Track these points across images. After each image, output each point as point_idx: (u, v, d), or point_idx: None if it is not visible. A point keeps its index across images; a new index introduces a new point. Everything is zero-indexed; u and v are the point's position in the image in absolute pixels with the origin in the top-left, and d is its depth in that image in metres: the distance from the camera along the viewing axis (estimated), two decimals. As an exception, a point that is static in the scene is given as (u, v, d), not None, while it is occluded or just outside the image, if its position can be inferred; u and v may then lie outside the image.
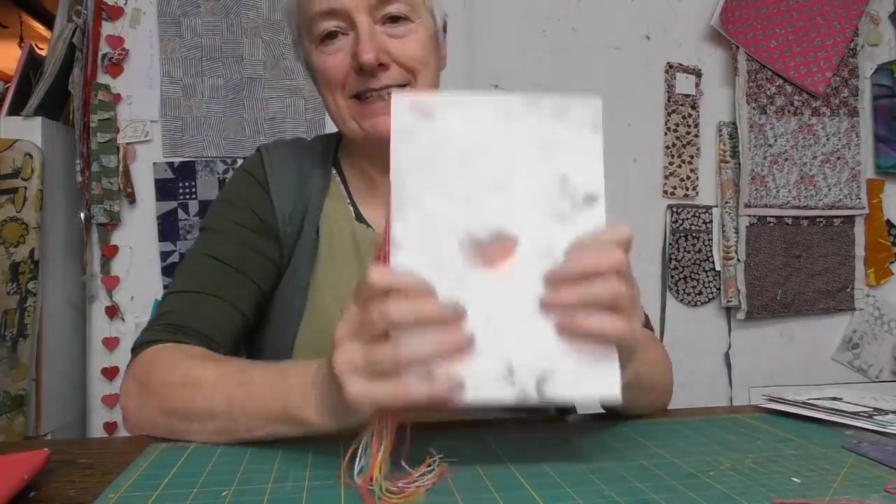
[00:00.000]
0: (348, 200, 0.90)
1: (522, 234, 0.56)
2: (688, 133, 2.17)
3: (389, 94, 0.79)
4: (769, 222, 2.19)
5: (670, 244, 2.16)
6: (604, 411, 0.80)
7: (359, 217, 0.89)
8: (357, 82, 0.81)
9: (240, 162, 1.85)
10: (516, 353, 0.55)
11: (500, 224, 0.56)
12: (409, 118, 0.57)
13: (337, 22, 0.80)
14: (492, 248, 0.56)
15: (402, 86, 0.81)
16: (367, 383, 0.53)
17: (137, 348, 0.77)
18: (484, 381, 0.54)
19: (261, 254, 0.85)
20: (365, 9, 0.79)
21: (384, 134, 0.79)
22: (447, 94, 0.58)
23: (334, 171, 0.93)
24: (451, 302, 0.54)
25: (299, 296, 0.85)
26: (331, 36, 0.80)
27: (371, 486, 0.54)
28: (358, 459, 0.56)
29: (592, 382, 0.55)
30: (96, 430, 1.81)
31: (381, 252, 0.56)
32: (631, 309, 0.55)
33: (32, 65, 1.81)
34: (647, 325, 0.93)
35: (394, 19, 0.81)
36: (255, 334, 0.88)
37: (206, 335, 0.78)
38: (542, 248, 0.56)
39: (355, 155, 0.92)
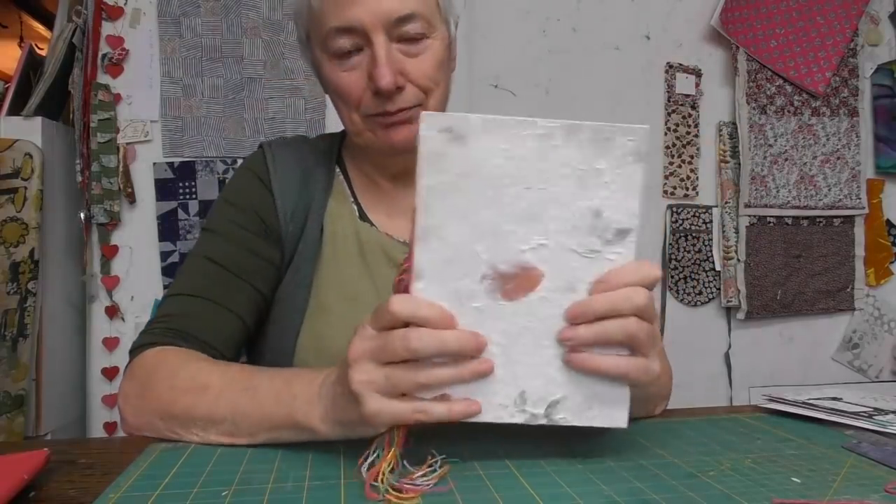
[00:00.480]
0: (352, 199, 0.90)
1: (548, 268, 0.56)
2: (688, 133, 2.17)
3: (410, 113, 0.79)
4: (769, 222, 2.19)
5: (670, 244, 2.16)
6: None
7: (362, 216, 0.89)
8: (373, 104, 0.79)
9: (240, 162, 1.86)
10: (529, 381, 0.57)
11: (525, 258, 0.56)
12: (439, 142, 0.54)
13: (353, 40, 0.77)
14: (515, 281, 0.56)
15: (415, 106, 0.80)
16: (386, 401, 0.55)
17: (135, 350, 0.77)
18: (495, 406, 0.57)
19: (261, 257, 0.85)
20: (382, 27, 0.76)
21: (400, 144, 0.80)
22: (481, 118, 0.54)
23: (338, 170, 0.92)
24: (472, 334, 0.55)
25: (302, 294, 0.85)
26: (346, 54, 0.78)
27: (376, 483, 0.55)
28: (368, 455, 0.57)
29: (601, 412, 0.58)
30: (96, 430, 1.81)
31: (405, 271, 0.57)
32: (648, 347, 0.57)
33: (32, 65, 1.81)
34: None
35: (410, 38, 0.78)
36: (258, 333, 0.88)
37: (205, 341, 0.78)
38: (566, 283, 0.56)
39: (360, 159, 0.91)
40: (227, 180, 1.85)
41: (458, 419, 0.56)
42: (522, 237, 0.55)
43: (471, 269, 0.55)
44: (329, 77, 0.81)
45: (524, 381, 0.57)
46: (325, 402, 0.61)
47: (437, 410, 0.55)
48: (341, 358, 0.58)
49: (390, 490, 0.54)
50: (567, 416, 0.58)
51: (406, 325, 0.55)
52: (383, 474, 0.55)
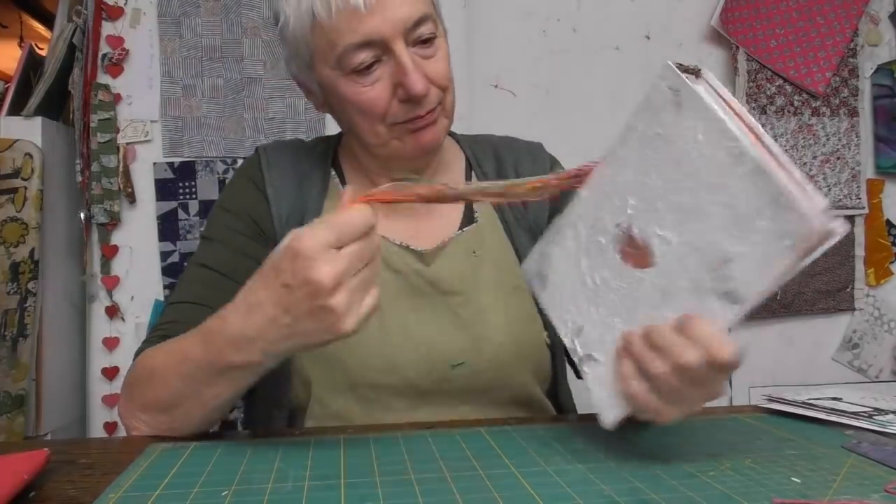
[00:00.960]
0: None
1: (660, 263, 0.58)
2: (688, 133, 2.17)
3: (435, 115, 0.80)
4: (769, 222, 2.19)
5: (670, 244, 2.16)
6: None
7: None
8: (403, 111, 0.79)
9: (240, 162, 1.86)
10: (592, 326, 0.63)
11: (653, 240, 0.58)
12: (661, 97, 0.57)
13: (373, 52, 0.76)
14: (634, 249, 0.59)
15: (437, 107, 0.81)
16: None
17: (135, 359, 0.79)
18: (561, 316, 0.66)
19: (258, 261, 0.84)
20: (401, 35, 0.76)
21: (429, 145, 0.82)
22: (706, 97, 0.55)
23: (333, 173, 0.92)
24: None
25: None
26: (367, 68, 0.77)
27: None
28: None
29: (601, 400, 0.62)
30: (96, 430, 1.81)
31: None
32: (680, 405, 0.58)
33: (32, 65, 1.81)
34: None
35: (423, 40, 0.79)
36: None
37: None
38: (663, 287, 0.58)
39: (364, 160, 0.91)
40: (227, 181, 1.86)
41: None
42: (662, 222, 0.57)
43: (617, 212, 0.60)
44: (348, 95, 0.79)
45: (590, 321, 0.62)
46: (273, 334, 0.61)
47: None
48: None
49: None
50: (586, 376, 0.64)
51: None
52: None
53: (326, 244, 0.57)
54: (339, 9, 0.74)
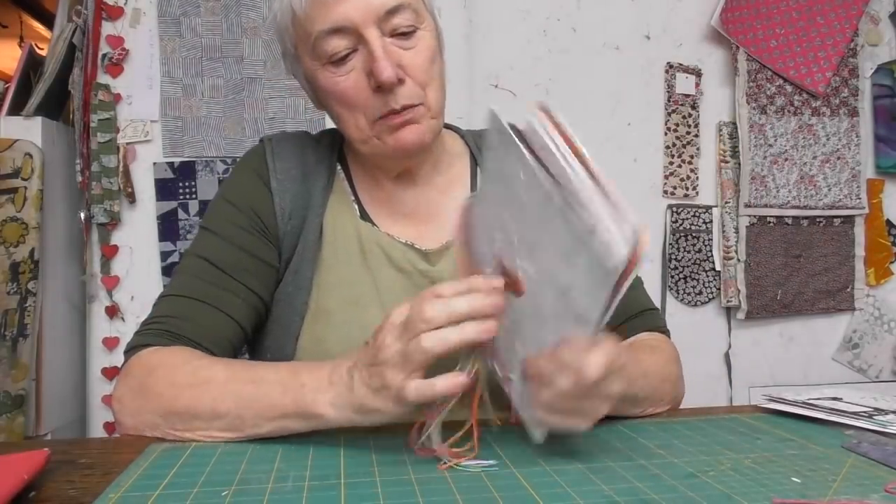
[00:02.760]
0: (353, 198, 0.89)
1: (529, 289, 0.60)
2: (688, 133, 2.17)
3: (414, 112, 0.78)
4: (769, 222, 2.19)
5: (670, 244, 2.16)
6: None
7: (363, 215, 0.88)
8: (378, 103, 0.77)
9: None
10: (502, 354, 0.65)
11: (519, 272, 0.60)
12: (495, 138, 0.59)
13: (345, 41, 0.76)
14: (510, 282, 0.61)
15: (418, 105, 0.78)
16: (422, 382, 0.60)
17: (130, 351, 0.77)
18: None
19: (258, 257, 0.84)
20: (373, 22, 0.75)
21: (410, 146, 0.80)
22: (518, 140, 0.57)
23: (339, 168, 0.91)
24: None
25: (301, 296, 0.84)
26: (342, 58, 0.76)
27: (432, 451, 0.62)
28: (427, 430, 0.62)
29: (528, 420, 0.64)
30: (96, 430, 1.81)
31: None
32: (583, 416, 0.61)
33: (32, 65, 1.81)
34: (660, 328, 0.93)
35: (402, 32, 0.77)
36: (258, 333, 0.87)
37: (199, 344, 0.77)
38: (537, 309, 0.60)
39: (363, 158, 0.90)
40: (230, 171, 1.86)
41: (473, 338, 0.59)
42: (519, 253, 0.59)
43: (491, 245, 0.63)
44: (326, 86, 0.79)
45: (501, 344, 0.64)
46: (339, 388, 0.64)
47: (455, 334, 0.58)
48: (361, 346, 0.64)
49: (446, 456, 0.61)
50: (510, 396, 0.65)
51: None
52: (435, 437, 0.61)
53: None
54: None
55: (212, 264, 0.82)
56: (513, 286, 0.61)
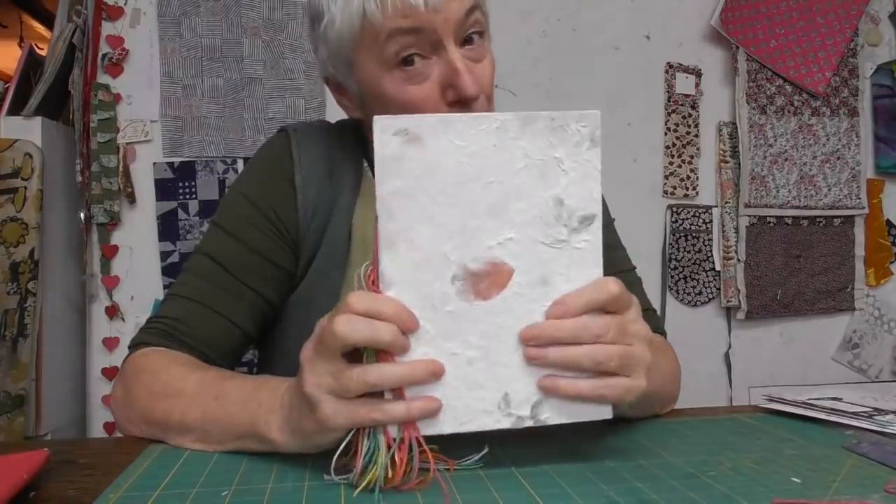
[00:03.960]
0: None
1: (518, 263, 0.56)
2: (688, 133, 2.17)
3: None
4: (769, 222, 2.19)
5: (670, 244, 2.16)
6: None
7: None
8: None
9: (240, 162, 1.86)
10: (512, 382, 0.57)
11: (493, 254, 0.55)
12: (395, 145, 0.53)
13: (417, 44, 0.71)
14: (486, 279, 0.55)
15: None
16: (340, 403, 0.54)
17: (131, 348, 0.77)
18: (480, 412, 0.56)
19: (271, 261, 0.80)
20: (453, 32, 0.71)
21: None
22: (435, 117, 0.54)
23: (366, 166, 0.86)
24: (427, 362, 0.54)
25: (330, 303, 0.79)
26: (412, 63, 0.71)
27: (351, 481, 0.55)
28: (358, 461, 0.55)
29: (585, 406, 0.57)
30: (96, 430, 1.81)
31: (371, 279, 0.56)
32: (628, 368, 0.57)
33: (32, 65, 1.81)
34: (659, 329, 0.92)
35: (469, 39, 0.74)
36: (272, 334, 0.85)
37: (198, 348, 0.76)
38: (539, 276, 0.56)
39: None
40: (226, 180, 1.86)
41: (417, 417, 0.54)
42: (489, 233, 0.55)
43: (441, 272, 0.55)
44: (394, 94, 0.73)
45: (507, 383, 0.56)
46: (285, 412, 0.59)
47: (396, 409, 0.53)
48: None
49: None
50: (552, 415, 0.57)
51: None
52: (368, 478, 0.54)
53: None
54: (395, 6, 0.70)
55: (219, 265, 0.79)
56: (497, 276, 0.55)
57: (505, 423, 0.57)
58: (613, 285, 0.56)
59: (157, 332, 0.77)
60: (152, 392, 0.69)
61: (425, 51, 0.72)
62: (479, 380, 0.56)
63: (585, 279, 0.57)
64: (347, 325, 0.53)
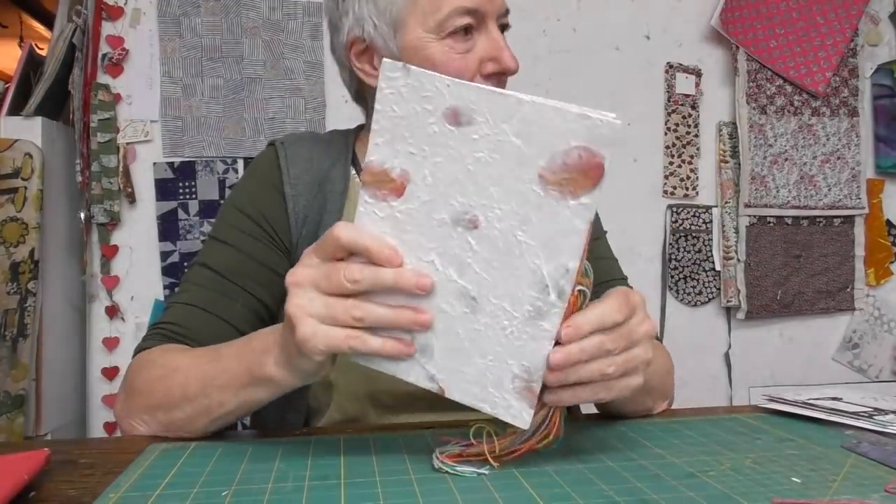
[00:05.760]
0: None
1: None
2: (688, 133, 2.17)
3: None
4: (769, 222, 2.19)
5: (670, 244, 2.16)
6: (598, 412, 0.81)
7: None
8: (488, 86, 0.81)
9: (240, 162, 1.87)
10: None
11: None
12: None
13: (472, 21, 0.80)
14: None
15: None
16: (321, 326, 0.56)
17: (135, 354, 0.79)
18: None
19: (262, 263, 0.84)
20: (496, 16, 0.82)
21: None
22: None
23: (353, 171, 0.90)
24: (413, 272, 0.56)
25: None
26: (465, 32, 0.80)
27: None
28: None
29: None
30: (96, 430, 1.81)
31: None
32: (628, 371, 0.59)
33: (32, 65, 1.81)
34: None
35: (503, 27, 0.84)
36: None
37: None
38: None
39: None
40: (226, 180, 1.86)
41: (390, 354, 0.57)
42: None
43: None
44: (442, 59, 0.80)
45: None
46: (278, 346, 0.61)
47: (372, 342, 0.56)
48: None
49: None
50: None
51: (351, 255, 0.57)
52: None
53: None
54: None
55: (215, 272, 0.82)
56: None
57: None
58: (618, 313, 0.57)
59: (157, 336, 0.79)
60: (149, 378, 0.72)
61: (473, 27, 0.80)
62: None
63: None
64: (347, 230, 0.56)
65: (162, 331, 0.79)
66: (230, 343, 0.70)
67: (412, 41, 0.80)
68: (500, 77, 0.82)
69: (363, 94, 0.91)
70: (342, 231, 0.56)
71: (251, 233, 0.84)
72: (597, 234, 0.73)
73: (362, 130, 0.95)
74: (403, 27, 0.80)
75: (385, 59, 0.54)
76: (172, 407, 0.68)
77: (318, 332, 0.56)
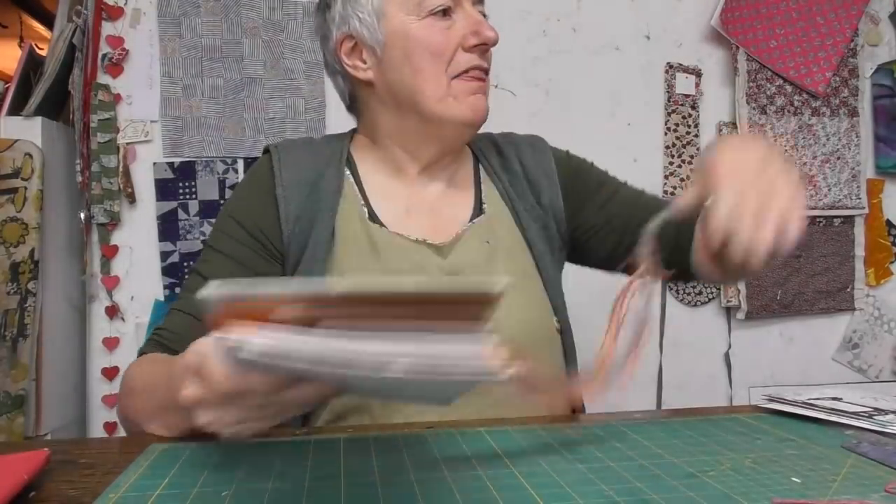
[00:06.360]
0: (361, 201, 0.91)
1: None
2: (688, 133, 2.17)
3: (487, 79, 0.90)
4: (769, 222, 2.19)
5: (670, 244, 2.16)
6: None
7: (372, 217, 0.90)
8: (467, 59, 0.87)
9: (240, 162, 1.87)
10: None
11: None
12: None
13: (448, 3, 0.86)
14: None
15: (488, 74, 0.90)
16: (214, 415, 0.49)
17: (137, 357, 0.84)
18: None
19: (252, 269, 0.86)
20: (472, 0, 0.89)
21: (478, 114, 0.88)
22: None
23: (347, 172, 0.93)
24: None
25: None
26: (444, 14, 0.86)
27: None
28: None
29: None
30: (96, 430, 1.81)
31: None
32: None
33: (32, 65, 1.80)
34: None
35: (481, 1, 0.91)
36: None
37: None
38: None
39: (383, 156, 0.93)
40: (226, 181, 1.86)
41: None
42: None
43: None
44: (426, 35, 0.86)
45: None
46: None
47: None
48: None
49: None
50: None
51: None
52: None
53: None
54: None
55: (206, 279, 0.85)
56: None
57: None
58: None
59: (152, 342, 0.84)
60: (133, 390, 0.77)
61: (454, 8, 0.87)
62: None
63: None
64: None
65: (158, 337, 0.83)
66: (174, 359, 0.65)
67: (395, 25, 0.87)
68: (482, 49, 0.87)
69: (356, 96, 0.95)
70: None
71: (240, 239, 0.87)
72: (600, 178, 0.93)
73: (357, 133, 0.99)
74: (385, 14, 0.87)
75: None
76: (140, 422, 0.73)
77: (210, 425, 0.50)
